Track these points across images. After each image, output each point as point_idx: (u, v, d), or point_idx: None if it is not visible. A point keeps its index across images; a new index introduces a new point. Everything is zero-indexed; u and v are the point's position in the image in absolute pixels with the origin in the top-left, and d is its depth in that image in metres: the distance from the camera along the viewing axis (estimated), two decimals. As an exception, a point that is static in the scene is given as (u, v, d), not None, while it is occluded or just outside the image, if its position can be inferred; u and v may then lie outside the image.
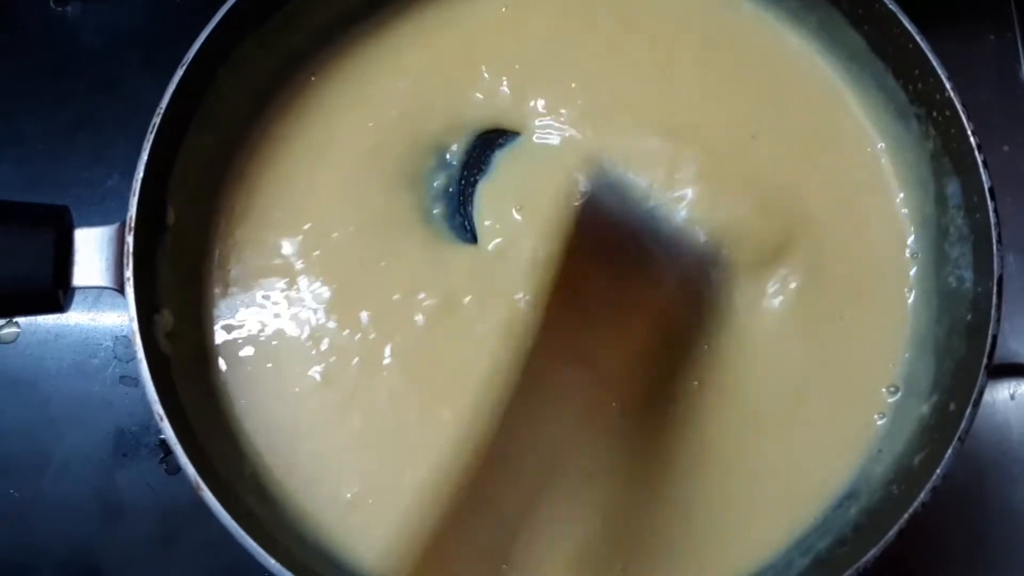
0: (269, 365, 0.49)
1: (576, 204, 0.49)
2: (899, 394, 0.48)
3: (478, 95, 0.51)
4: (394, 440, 0.47)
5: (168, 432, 0.42)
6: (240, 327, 0.49)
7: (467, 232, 0.51)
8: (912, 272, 0.50)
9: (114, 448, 0.59)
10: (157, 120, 0.45)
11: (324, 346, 0.49)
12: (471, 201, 0.51)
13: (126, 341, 0.59)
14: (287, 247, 0.50)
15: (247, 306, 0.50)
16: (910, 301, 0.49)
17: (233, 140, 0.51)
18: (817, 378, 0.48)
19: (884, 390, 0.48)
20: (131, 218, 0.44)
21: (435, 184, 0.52)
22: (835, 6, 0.51)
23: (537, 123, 0.51)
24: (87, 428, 0.59)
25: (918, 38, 0.47)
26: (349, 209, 0.51)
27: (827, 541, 0.45)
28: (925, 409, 0.46)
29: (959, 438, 0.42)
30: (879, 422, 0.48)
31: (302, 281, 0.50)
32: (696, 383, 0.48)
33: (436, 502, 0.46)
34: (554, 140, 0.51)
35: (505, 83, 0.52)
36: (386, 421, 0.48)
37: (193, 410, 0.46)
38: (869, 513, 0.45)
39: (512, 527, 0.47)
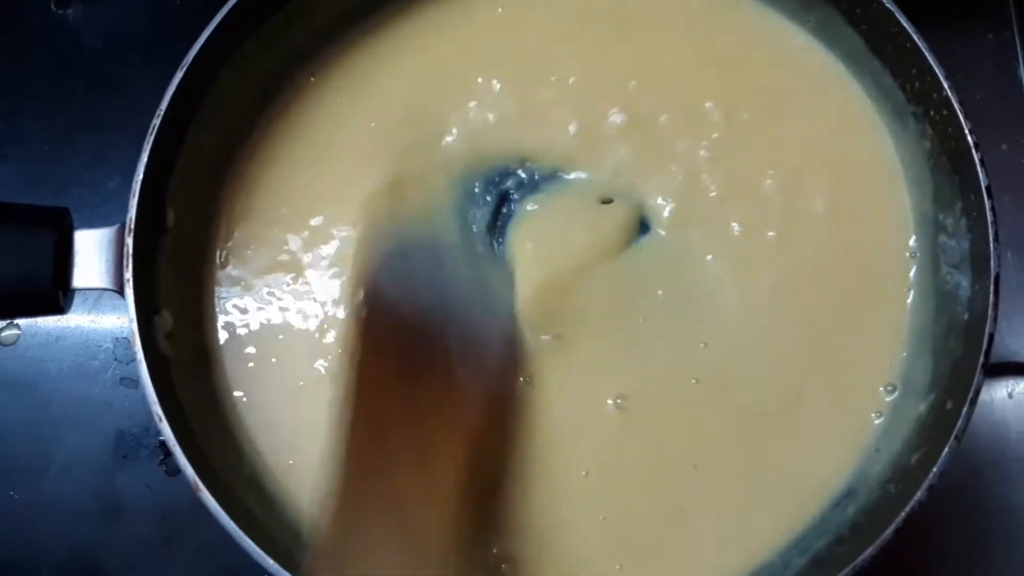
0: (272, 362, 0.49)
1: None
2: (897, 393, 0.48)
3: (472, 102, 0.51)
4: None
5: (167, 433, 0.42)
6: (241, 326, 0.50)
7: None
8: (910, 271, 0.50)
9: (114, 450, 0.59)
10: (157, 122, 0.46)
11: (328, 341, 0.49)
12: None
13: (126, 343, 0.59)
14: (289, 245, 0.50)
15: (248, 305, 0.50)
16: (908, 300, 0.49)
17: (234, 140, 0.52)
18: (815, 377, 0.48)
19: (882, 389, 0.48)
20: (131, 220, 0.44)
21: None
22: (833, 5, 0.50)
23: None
24: (87, 430, 0.59)
25: (915, 37, 0.47)
26: (352, 208, 0.51)
27: (825, 540, 0.45)
28: (922, 408, 0.46)
29: (956, 437, 0.42)
30: (877, 421, 0.48)
31: (305, 279, 0.50)
32: (694, 381, 0.48)
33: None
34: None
35: (500, 88, 0.52)
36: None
37: (193, 411, 0.46)
38: (866, 512, 0.45)
39: (513, 525, 0.47)
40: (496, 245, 0.50)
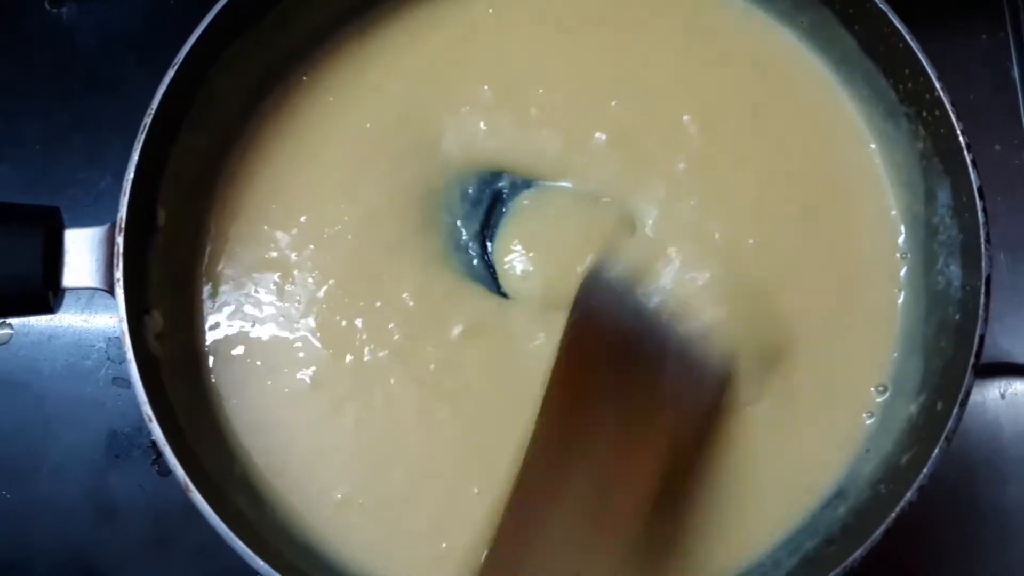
0: (260, 363, 0.49)
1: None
2: (888, 394, 0.48)
3: (465, 107, 0.51)
4: (386, 440, 0.48)
5: (157, 433, 0.42)
6: (231, 326, 0.50)
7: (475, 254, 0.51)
8: (902, 272, 0.50)
9: (107, 450, 0.59)
10: (148, 121, 0.45)
11: (317, 344, 0.49)
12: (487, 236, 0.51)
13: (119, 342, 0.58)
14: (281, 244, 0.50)
15: (239, 305, 0.50)
16: (900, 301, 0.49)
17: (225, 140, 0.52)
18: (807, 378, 0.48)
19: (873, 389, 0.48)
20: (121, 219, 0.44)
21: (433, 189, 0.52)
22: (827, 6, 0.51)
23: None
24: (80, 430, 0.59)
25: (908, 37, 0.47)
26: (344, 207, 0.51)
27: (815, 541, 0.45)
28: (913, 408, 0.46)
29: (946, 437, 0.42)
30: (868, 421, 0.48)
31: (296, 278, 0.50)
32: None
33: (427, 503, 0.47)
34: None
35: (489, 92, 0.52)
36: (380, 421, 0.48)
37: (183, 411, 0.46)
38: (857, 513, 0.45)
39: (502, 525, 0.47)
40: (487, 244, 0.51)
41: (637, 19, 0.52)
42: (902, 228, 0.50)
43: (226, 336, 0.50)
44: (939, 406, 0.44)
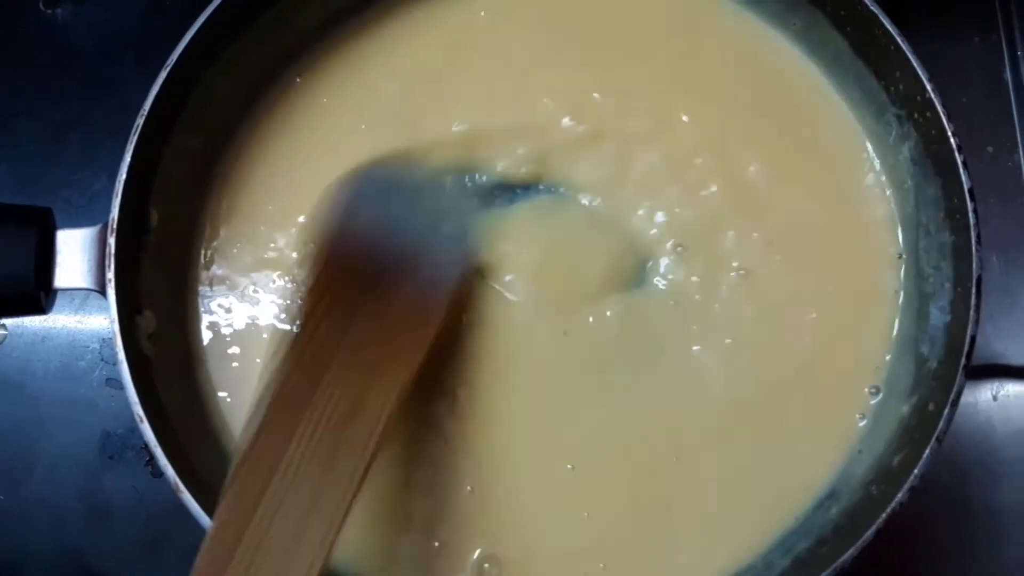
0: (258, 362, 0.49)
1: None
2: (880, 395, 0.48)
3: (457, 108, 0.51)
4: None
5: (148, 434, 0.42)
6: (226, 325, 0.50)
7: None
8: (894, 273, 0.50)
9: (100, 450, 0.59)
10: (140, 121, 0.46)
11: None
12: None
13: (113, 343, 0.59)
14: (276, 243, 0.50)
15: (233, 304, 0.50)
16: (893, 302, 0.49)
17: (219, 140, 0.52)
18: (800, 378, 0.48)
19: (866, 390, 0.48)
20: (113, 219, 0.44)
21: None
22: (818, 8, 0.51)
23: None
24: (74, 430, 0.59)
25: (899, 39, 0.47)
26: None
27: (807, 542, 0.45)
28: (905, 410, 0.46)
29: (937, 439, 0.42)
30: (860, 423, 0.48)
31: (288, 278, 0.50)
32: (679, 383, 0.48)
33: (419, 502, 0.47)
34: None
35: (484, 95, 0.52)
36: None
37: (175, 411, 0.46)
38: (849, 513, 0.45)
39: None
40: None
41: (629, 22, 0.52)
42: (895, 229, 0.50)
43: (221, 336, 0.50)
44: (931, 407, 0.44)
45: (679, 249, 0.49)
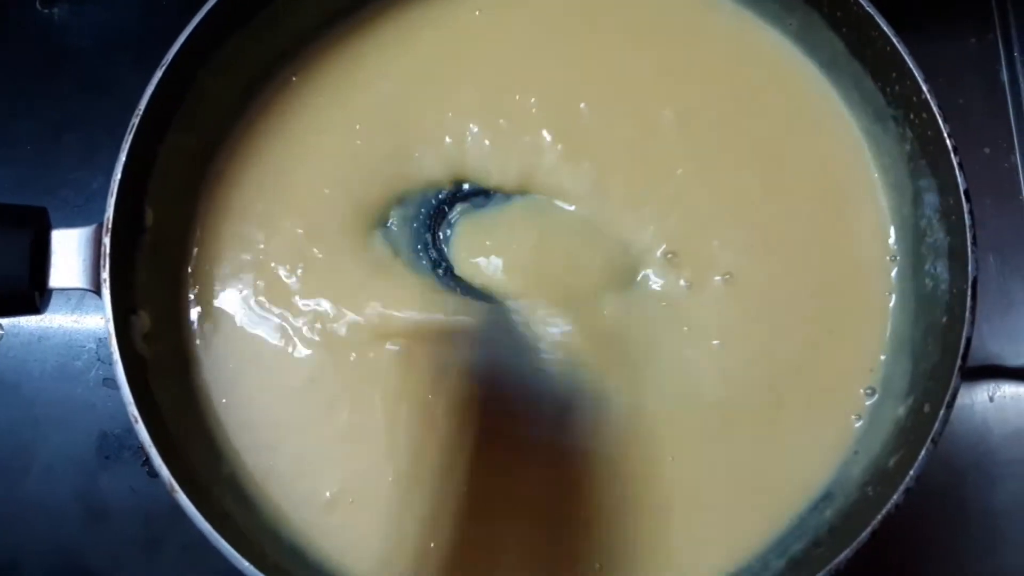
0: (252, 362, 0.49)
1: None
2: (876, 396, 0.48)
3: (450, 112, 0.51)
4: (377, 439, 0.48)
5: (142, 435, 0.42)
6: (222, 326, 0.50)
7: (428, 254, 0.51)
8: (890, 274, 0.50)
9: (97, 450, 0.59)
10: (135, 121, 0.45)
11: (310, 342, 0.49)
12: (448, 223, 0.52)
13: (109, 343, 0.59)
14: (272, 244, 0.50)
15: (228, 305, 0.50)
16: (889, 303, 0.49)
17: (214, 140, 0.52)
18: (796, 379, 0.48)
19: (861, 391, 0.48)
20: (108, 219, 0.44)
21: (417, 193, 0.52)
22: (815, 8, 0.51)
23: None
24: (70, 430, 0.59)
25: (895, 40, 0.47)
26: (335, 207, 0.51)
27: (803, 543, 0.45)
28: (901, 411, 0.46)
29: (932, 440, 0.42)
30: (856, 424, 0.48)
31: (287, 277, 0.50)
32: (674, 383, 0.48)
33: (415, 503, 0.47)
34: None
35: (478, 96, 0.52)
36: (371, 419, 0.48)
37: (170, 412, 0.46)
38: (844, 514, 0.45)
39: (491, 525, 0.47)
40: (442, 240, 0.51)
41: (626, 22, 0.52)
42: (891, 230, 0.50)
43: (216, 335, 0.49)
44: (926, 409, 0.44)
45: (669, 256, 0.49)
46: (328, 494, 0.47)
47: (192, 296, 0.50)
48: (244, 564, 0.40)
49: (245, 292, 0.50)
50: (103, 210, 0.45)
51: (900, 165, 0.49)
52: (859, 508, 0.44)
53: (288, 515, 0.47)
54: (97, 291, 0.44)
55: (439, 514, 0.46)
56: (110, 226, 0.44)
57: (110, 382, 0.59)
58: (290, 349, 0.49)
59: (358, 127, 0.52)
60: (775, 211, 0.50)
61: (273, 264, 0.50)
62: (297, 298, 0.50)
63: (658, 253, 0.49)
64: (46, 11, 0.66)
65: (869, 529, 0.41)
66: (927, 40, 0.56)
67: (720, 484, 0.47)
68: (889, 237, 0.50)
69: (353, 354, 0.48)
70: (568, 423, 0.48)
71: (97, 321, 0.60)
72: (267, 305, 0.50)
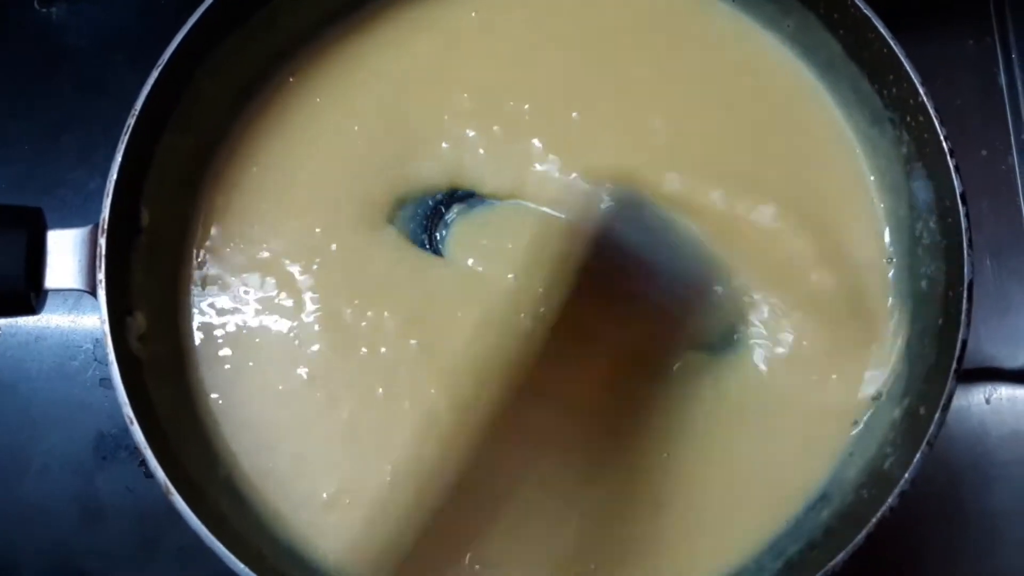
0: (250, 363, 0.49)
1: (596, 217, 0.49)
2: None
3: (445, 115, 0.51)
4: (376, 439, 0.47)
5: (138, 436, 0.42)
6: (218, 326, 0.49)
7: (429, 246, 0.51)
8: (887, 276, 0.50)
9: (94, 451, 0.59)
10: (131, 121, 0.45)
11: (309, 341, 0.49)
12: (444, 223, 0.52)
13: (106, 343, 0.59)
14: (269, 243, 0.50)
15: (225, 305, 0.50)
16: (885, 305, 0.49)
17: (211, 140, 0.51)
18: (793, 381, 0.48)
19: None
20: (104, 220, 0.44)
21: (415, 196, 0.52)
22: (811, 10, 0.51)
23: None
24: (67, 431, 0.59)
25: (892, 42, 0.47)
26: (334, 207, 0.51)
27: (799, 545, 0.46)
28: (897, 413, 0.46)
29: (928, 442, 0.42)
30: (853, 426, 0.48)
31: (285, 277, 0.50)
32: (670, 383, 0.48)
33: (412, 502, 0.47)
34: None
35: (472, 98, 0.52)
36: (371, 419, 0.48)
37: (167, 413, 0.46)
38: (840, 517, 0.45)
39: (487, 526, 0.47)
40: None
41: (621, 25, 0.52)
42: (887, 232, 0.50)
43: (214, 336, 0.49)
44: (922, 411, 0.44)
45: None
46: (326, 494, 0.47)
47: (188, 297, 0.50)
48: (240, 566, 0.40)
49: (241, 293, 0.50)
50: (99, 210, 0.45)
51: (897, 167, 0.49)
52: (855, 511, 0.44)
53: (286, 516, 0.47)
54: (93, 292, 0.44)
55: (437, 515, 0.46)
56: (106, 227, 0.44)
57: (107, 382, 0.59)
58: (290, 348, 0.49)
59: (356, 128, 0.52)
60: (770, 211, 0.50)
61: (273, 264, 0.50)
62: (300, 297, 0.50)
63: None
64: (44, 10, 0.66)
65: (864, 532, 0.41)
66: (924, 42, 0.56)
67: (715, 485, 0.47)
68: (884, 239, 0.50)
69: (364, 349, 0.48)
70: (568, 429, 0.48)
71: (94, 321, 0.60)
72: (266, 304, 0.50)
